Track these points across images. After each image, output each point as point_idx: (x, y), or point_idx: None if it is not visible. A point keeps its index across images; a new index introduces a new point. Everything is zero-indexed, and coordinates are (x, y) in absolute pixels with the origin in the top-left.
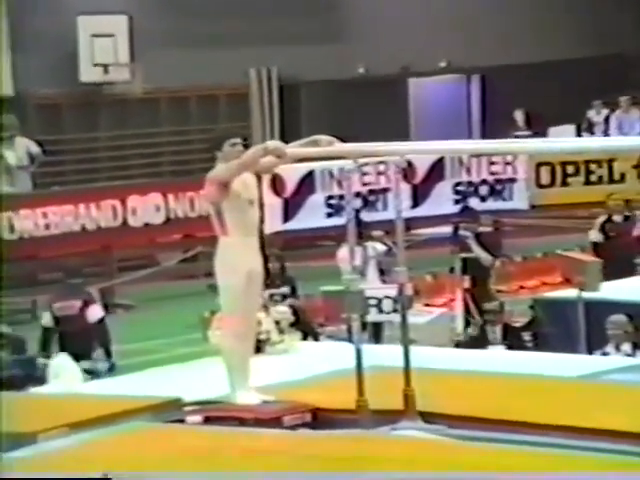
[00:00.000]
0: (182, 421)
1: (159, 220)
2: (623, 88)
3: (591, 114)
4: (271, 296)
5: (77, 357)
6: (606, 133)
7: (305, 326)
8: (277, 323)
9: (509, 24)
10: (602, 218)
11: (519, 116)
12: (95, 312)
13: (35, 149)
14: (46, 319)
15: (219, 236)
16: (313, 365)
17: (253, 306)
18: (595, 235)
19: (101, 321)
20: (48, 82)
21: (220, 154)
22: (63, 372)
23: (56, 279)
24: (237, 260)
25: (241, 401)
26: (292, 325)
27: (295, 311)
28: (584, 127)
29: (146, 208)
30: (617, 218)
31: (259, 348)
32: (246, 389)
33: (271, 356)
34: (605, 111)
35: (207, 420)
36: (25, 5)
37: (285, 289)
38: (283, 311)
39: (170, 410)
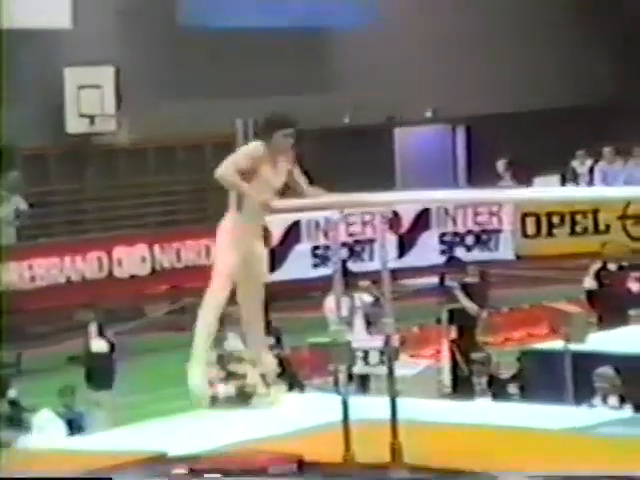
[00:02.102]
0: (168, 475)
1: (145, 271)
2: (606, 139)
3: (575, 164)
4: None
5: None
6: (590, 183)
7: (291, 378)
8: (263, 375)
9: (494, 74)
10: (597, 265)
11: (501, 166)
12: None
13: (23, 206)
14: (100, 345)
15: (229, 211)
16: (299, 417)
17: (251, 294)
18: (590, 282)
19: None
20: (35, 134)
21: (266, 142)
22: (47, 426)
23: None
24: (237, 238)
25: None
26: (278, 377)
27: (281, 362)
28: (569, 177)
29: (132, 259)
30: (612, 267)
31: (245, 400)
32: (200, 368)
33: (257, 409)
34: (589, 162)
35: (192, 472)
36: (12, 57)
37: (270, 340)
38: (269, 363)
39: (156, 464)
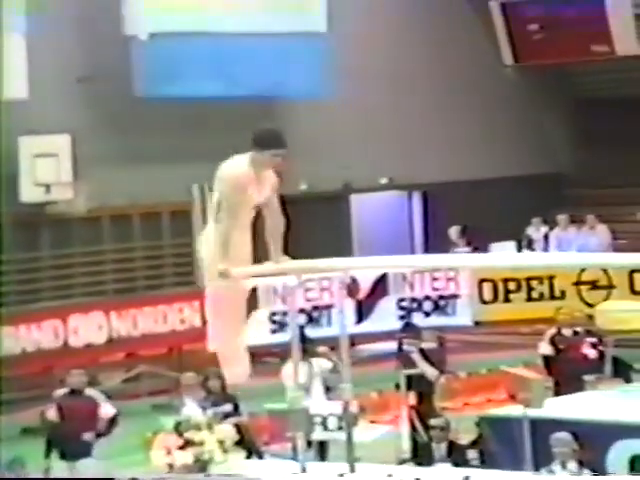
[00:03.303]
0: None
1: (101, 339)
2: (561, 206)
3: (531, 231)
4: (214, 415)
5: None
6: (546, 250)
7: (250, 445)
8: (221, 442)
9: (450, 141)
10: (552, 331)
11: (454, 233)
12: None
13: None
14: (110, 411)
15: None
16: None
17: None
18: (545, 348)
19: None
20: None
21: (255, 155)
22: None
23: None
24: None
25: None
26: (236, 444)
27: (239, 430)
28: (524, 244)
29: (88, 327)
30: (566, 332)
31: (203, 467)
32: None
33: (215, 476)
34: (544, 228)
35: None
36: None
37: (227, 407)
38: (227, 430)
39: None
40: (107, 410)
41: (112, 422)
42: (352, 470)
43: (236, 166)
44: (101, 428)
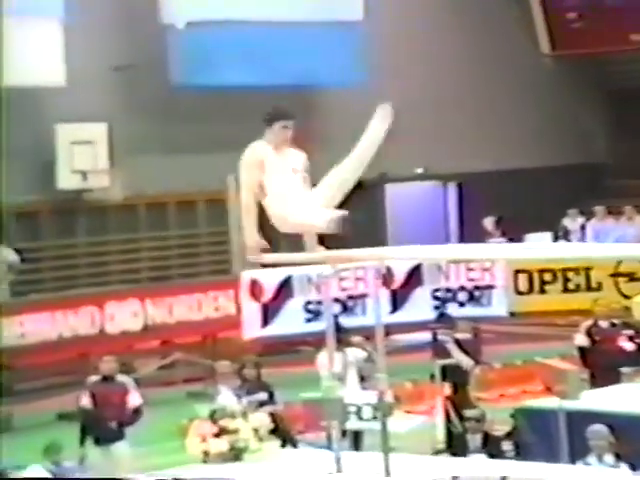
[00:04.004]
0: None
1: (137, 326)
2: (598, 197)
3: (567, 222)
4: (249, 403)
5: None
6: (582, 241)
7: (284, 433)
8: (256, 430)
9: (485, 132)
10: (588, 322)
11: (489, 223)
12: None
13: (13, 257)
14: (138, 399)
15: None
16: (292, 473)
17: None
18: (581, 339)
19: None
20: (26, 190)
21: (268, 131)
22: None
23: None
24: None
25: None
26: (271, 432)
27: (274, 418)
28: (560, 235)
29: (124, 314)
30: (603, 324)
31: (237, 456)
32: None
33: (249, 464)
34: (581, 219)
35: None
36: (4, 113)
37: (263, 395)
38: (262, 418)
39: None
40: (134, 400)
41: (137, 412)
42: (387, 461)
43: (252, 145)
44: (126, 417)
